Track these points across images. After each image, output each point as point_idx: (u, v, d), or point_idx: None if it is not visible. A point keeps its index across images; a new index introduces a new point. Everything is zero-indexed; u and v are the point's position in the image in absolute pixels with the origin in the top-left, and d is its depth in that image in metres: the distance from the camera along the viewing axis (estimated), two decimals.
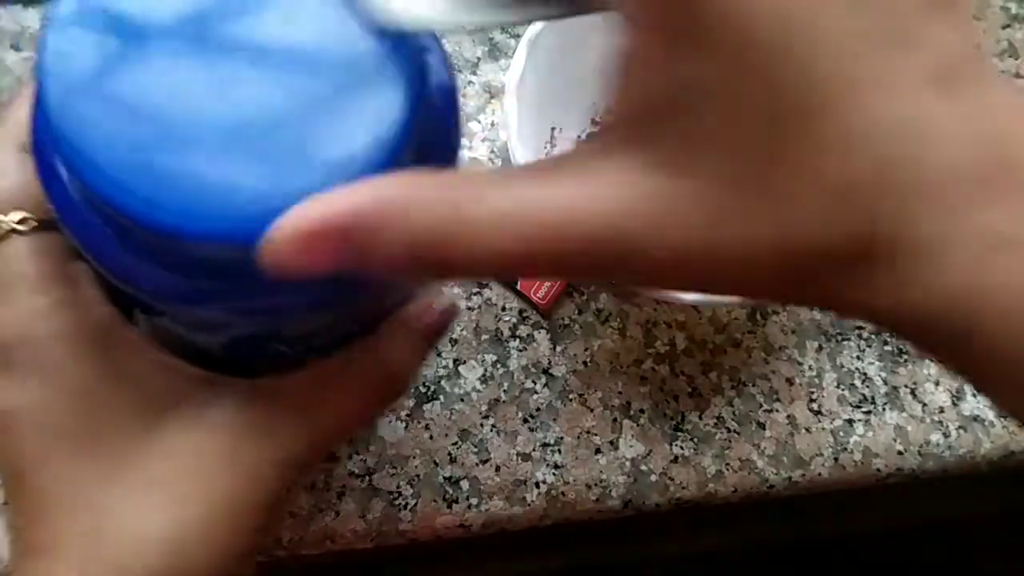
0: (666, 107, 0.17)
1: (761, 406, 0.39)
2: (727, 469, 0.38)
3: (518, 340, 0.39)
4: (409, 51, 0.20)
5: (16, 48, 0.41)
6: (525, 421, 0.38)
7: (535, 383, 0.38)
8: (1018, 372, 0.16)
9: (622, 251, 0.17)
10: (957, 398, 0.41)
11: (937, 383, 0.41)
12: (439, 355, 0.38)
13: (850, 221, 0.16)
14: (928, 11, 0.16)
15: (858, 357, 0.41)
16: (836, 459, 0.39)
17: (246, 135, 0.19)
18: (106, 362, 0.24)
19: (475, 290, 0.39)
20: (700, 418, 0.39)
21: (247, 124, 0.19)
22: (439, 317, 0.28)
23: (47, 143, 0.21)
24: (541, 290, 0.39)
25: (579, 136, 0.42)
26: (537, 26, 0.37)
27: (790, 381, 0.40)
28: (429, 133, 0.21)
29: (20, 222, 0.24)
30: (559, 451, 0.37)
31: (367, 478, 0.36)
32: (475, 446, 0.37)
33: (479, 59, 0.43)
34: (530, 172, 0.19)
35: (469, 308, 0.39)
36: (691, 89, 0.17)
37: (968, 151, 0.16)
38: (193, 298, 0.21)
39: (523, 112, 0.36)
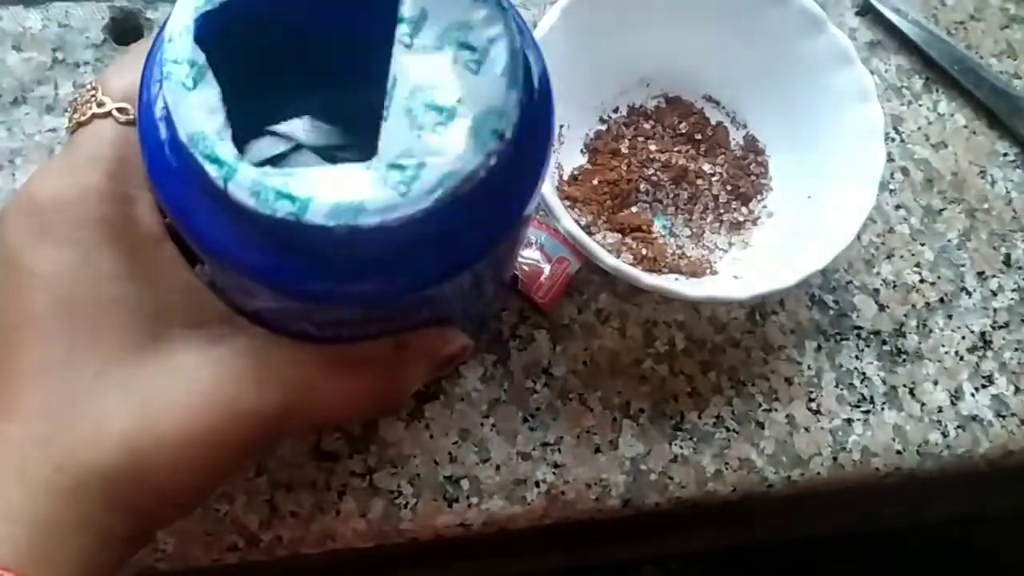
0: None
1: (760, 406, 0.39)
2: (726, 468, 0.38)
3: (518, 340, 0.39)
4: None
5: (18, 48, 0.41)
6: (525, 421, 0.38)
7: (535, 383, 0.38)
8: None
9: None
10: (956, 398, 0.41)
11: (936, 383, 0.41)
12: None
13: None
14: None
15: (857, 357, 0.41)
16: (835, 459, 0.39)
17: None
18: (139, 264, 0.25)
19: None
20: (699, 418, 0.39)
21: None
22: (456, 351, 0.28)
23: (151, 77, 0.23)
24: (542, 290, 0.39)
25: (587, 134, 0.43)
26: (546, 25, 0.37)
27: (789, 381, 0.40)
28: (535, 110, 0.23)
29: (119, 110, 0.25)
30: (559, 451, 0.37)
31: (367, 477, 0.36)
32: (475, 445, 0.37)
33: None
34: None
35: None
36: None
37: None
38: (238, 262, 0.22)
39: None
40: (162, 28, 0.23)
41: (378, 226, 0.20)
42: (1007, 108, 0.47)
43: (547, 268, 0.39)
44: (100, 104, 0.26)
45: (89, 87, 0.26)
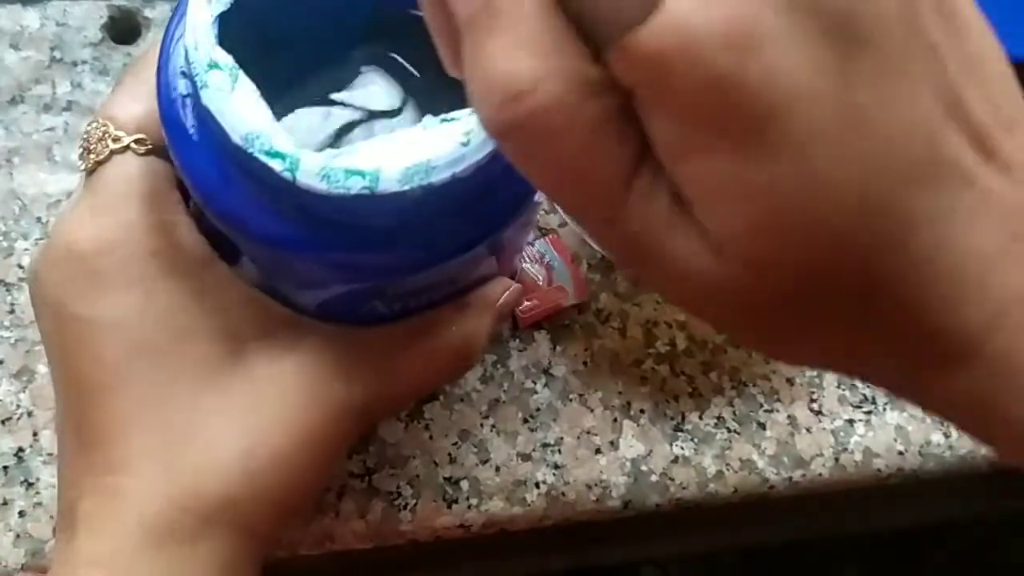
0: None
1: (761, 406, 0.39)
2: (727, 469, 0.38)
3: (518, 340, 0.39)
4: None
5: (15, 47, 0.41)
6: (525, 421, 0.38)
7: (535, 383, 0.38)
8: None
9: None
10: None
11: None
12: None
13: None
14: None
15: None
16: (837, 459, 0.39)
17: None
18: (197, 287, 0.25)
19: None
20: (700, 418, 0.39)
21: None
22: (512, 297, 0.29)
23: (170, 81, 0.23)
24: (525, 304, 0.38)
25: None
26: None
27: (790, 381, 0.40)
28: None
29: (137, 142, 0.25)
30: (559, 451, 0.37)
31: (367, 478, 0.36)
32: (475, 446, 0.37)
33: None
34: None
35: None
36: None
37: None
38: (314, 252, 0.22)
39: None
40: (164, 47, 0.23)
41: (450, 180, 0.20)
42: None
43: (543, 287, 0.38)
44: (116, 139, 0.25)
45: (100, 124, 0.26)
